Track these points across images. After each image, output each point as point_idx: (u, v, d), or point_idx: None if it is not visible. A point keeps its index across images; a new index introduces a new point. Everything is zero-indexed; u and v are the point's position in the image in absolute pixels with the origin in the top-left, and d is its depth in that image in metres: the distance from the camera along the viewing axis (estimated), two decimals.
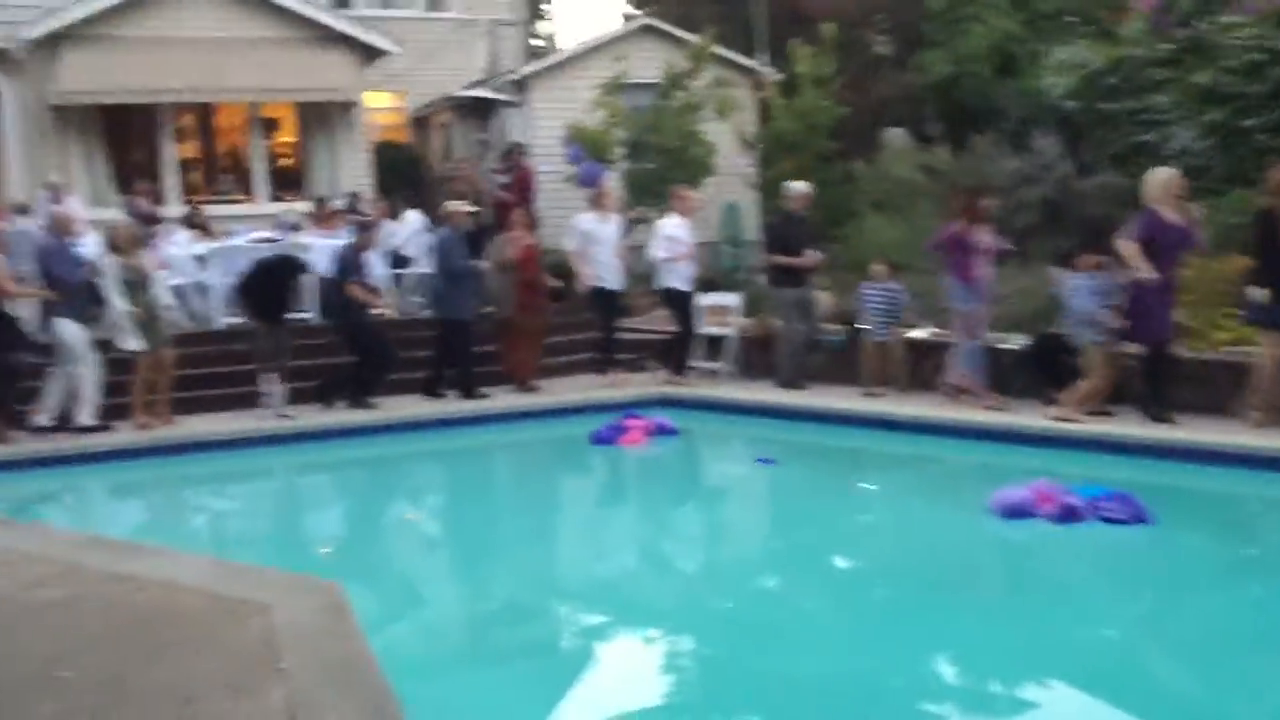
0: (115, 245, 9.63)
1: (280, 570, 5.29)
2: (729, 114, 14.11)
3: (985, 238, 9.09)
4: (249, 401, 10.17)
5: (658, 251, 10.72)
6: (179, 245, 12.06)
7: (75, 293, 9.51)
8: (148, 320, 9.56)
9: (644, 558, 6.91)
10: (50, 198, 12.26)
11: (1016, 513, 6.22)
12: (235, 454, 9.35)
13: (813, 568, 6.30)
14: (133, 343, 9.54)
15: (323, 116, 15.49)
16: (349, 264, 10.40)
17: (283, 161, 17.49)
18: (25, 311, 9.77)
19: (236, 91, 14.44)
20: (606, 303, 10.95)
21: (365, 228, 10.92)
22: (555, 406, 10.37)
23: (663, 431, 9.23)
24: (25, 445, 9.15)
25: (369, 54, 15.56)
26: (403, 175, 16.97)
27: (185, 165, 15.81)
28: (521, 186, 12.33)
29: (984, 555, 6.36)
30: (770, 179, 14.03)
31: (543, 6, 34.29)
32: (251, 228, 13.15)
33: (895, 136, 15.87)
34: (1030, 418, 8.30)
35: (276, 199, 15.44)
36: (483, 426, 10.04)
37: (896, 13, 17.82)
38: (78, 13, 13.93)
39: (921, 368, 9.95)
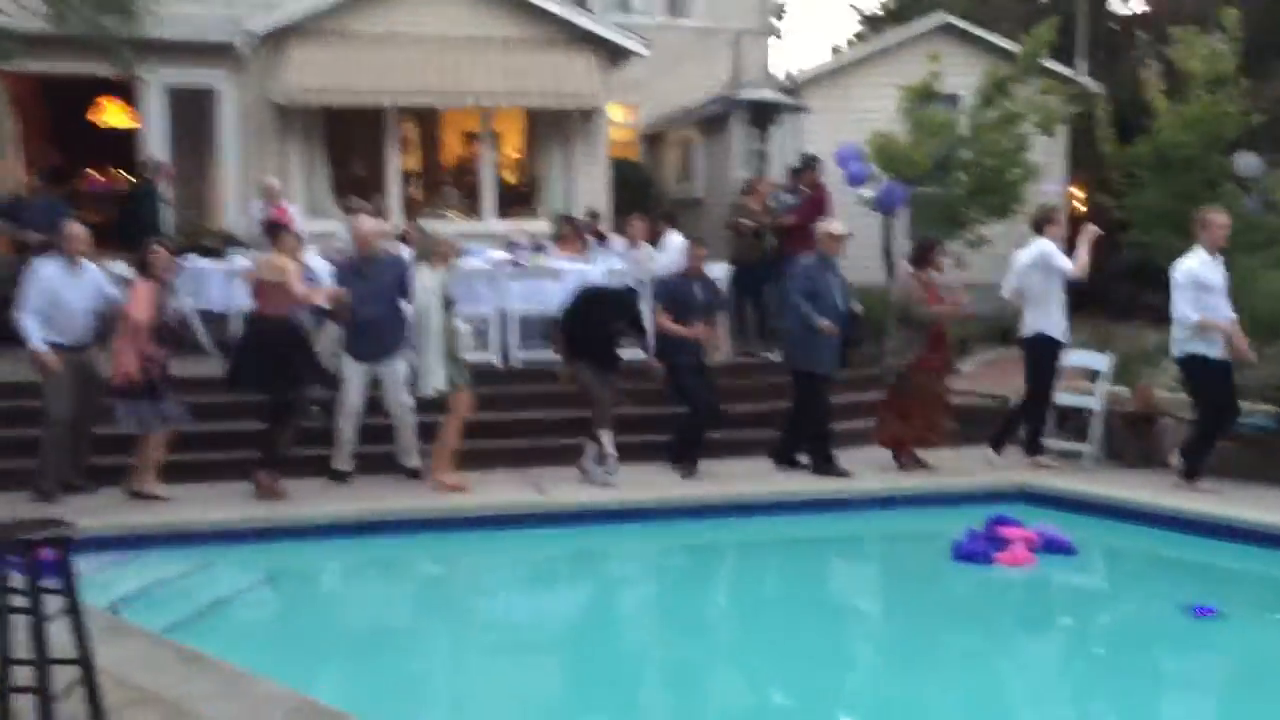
0: (430, 254, 7.56)
1: None
2: (1054, 128, 11.53)
3: None
4: (494, 461, 8.27)
5: (1188, 311, 7.26)
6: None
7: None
8: (454, 351, 7.60)
9: None
10: (266, 203, 10.79)
11: None
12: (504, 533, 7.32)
13: None
14: (440, 381, 7.50)
15: (559, 127, 13.72)
16: (671, 296, 8.33)
17: (508, 176, 15.93)
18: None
19: (473, 94, 12.75)
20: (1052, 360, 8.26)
21: (694, 250, 8.55)
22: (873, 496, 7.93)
23: (1052, 547, 6.74)
24: (276, 510, 7.23)
25: (614, 59, 13.74)
26: (633, 196, 14.98)
27: (406, 177, 14.32)
28: (815, 209, 10.06)
29: None
30: (1135, 209, 11.32)
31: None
32: (480, 248, 11.42)
33: (1247, 163, 12.92)
34: None
35: (503, 217, 13.73)
36: (813, 514, 7.73)
37: (1257, 17, 14.62)
38: (308, 6, 12.55)
39: None
